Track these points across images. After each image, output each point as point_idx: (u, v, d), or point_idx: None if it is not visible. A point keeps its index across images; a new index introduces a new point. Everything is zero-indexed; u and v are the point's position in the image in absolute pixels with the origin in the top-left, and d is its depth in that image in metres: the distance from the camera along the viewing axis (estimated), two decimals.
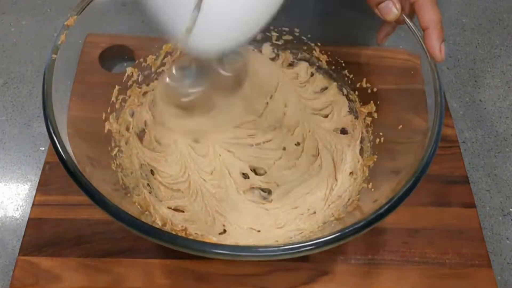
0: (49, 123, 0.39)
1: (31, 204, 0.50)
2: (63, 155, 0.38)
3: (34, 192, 0.51)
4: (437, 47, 0.43)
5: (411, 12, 0.45)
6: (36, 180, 0.53)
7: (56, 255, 0.47)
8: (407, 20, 0.45)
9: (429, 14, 0.42)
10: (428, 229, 0.50)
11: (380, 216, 0.37)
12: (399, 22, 0.46)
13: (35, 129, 0.58)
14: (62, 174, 0.38)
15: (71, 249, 0.47)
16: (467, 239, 0.50)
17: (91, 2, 0.47)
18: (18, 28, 0.67)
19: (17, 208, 0.52)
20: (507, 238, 0.52)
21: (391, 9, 0.44)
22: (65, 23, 0.45)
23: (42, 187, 0.51)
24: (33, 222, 0.49)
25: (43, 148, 0.57)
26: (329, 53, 0.58)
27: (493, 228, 0.53)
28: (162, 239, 0.35)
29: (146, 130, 0.55)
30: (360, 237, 0.36)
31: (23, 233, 0.48)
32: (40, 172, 0.53)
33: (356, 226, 0.36)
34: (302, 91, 0.59)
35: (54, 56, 0.42)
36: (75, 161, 0.38)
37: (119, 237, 0.48)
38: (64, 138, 0.39)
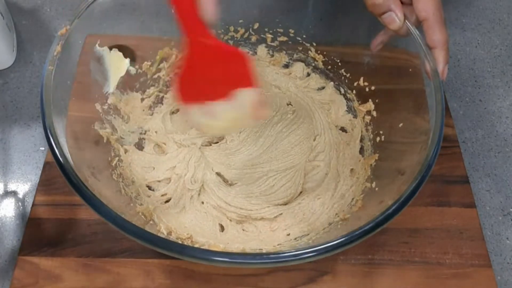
0: (49, 133, 0.38)
1: (31, 204, 0.50)
2: (63, 164, 0.37)
3: (34, 192, 0.51)
4: (440, 68, 0.44)
5: (417, 25, 0.46)
6: (36, 180, 0.53)
7: (56, 255, 0.47)
8: (412, 28, 0.45)
9: (437, 35, 0.43)
10: (428, 229, 0.50)
11: (388, 216, 0.37)
12: (401, 34, 0.46)
13: (35, 129, 0.58)
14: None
15: (71, 249, 0.47)
16: (467, 239, 0.50)
17: (92, 3, 0.47)
18: (18, 28, 0.67)
19: (17, 208, 0.52)
20: (507, 238, 0.52)
21: (394, 19, 0.45)
22: (59, 33, 0.44)
23: (42, 187, 0.51)
24: (33, 222, 0.49)
25: (43, 148, 0.57)
26: (324, 53, 0.58)
27: (493, 228, 0.53)
28: (171, 250, 0.34)
29: (145, 138, 0.55)
30: None
31: (23, 233, 0.49)
32: (40, 172, 0.53)
33: (364, 229, 0.36)
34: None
35: (50, 67, 0.41)
36: (76, 172, 0.37)
37: (119, 237, 0.48)
38: (63, 146, 0.38)
